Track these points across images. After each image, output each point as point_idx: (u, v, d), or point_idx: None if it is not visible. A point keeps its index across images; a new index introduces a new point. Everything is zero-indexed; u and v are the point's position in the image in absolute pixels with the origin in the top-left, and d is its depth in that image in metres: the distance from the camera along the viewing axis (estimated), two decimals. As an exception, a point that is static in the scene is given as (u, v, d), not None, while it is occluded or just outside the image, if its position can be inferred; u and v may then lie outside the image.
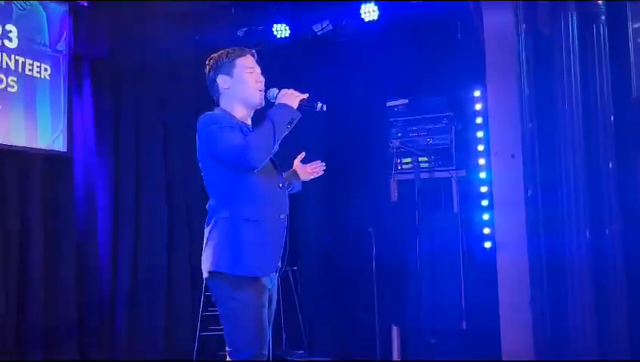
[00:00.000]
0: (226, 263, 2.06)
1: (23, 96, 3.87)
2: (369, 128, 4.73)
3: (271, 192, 2.16)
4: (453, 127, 4.37)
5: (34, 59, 3.94)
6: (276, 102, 2.15)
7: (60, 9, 4.08)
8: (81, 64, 4.21)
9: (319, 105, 2.26)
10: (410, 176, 4.40)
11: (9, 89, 3.78)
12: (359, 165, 4.72)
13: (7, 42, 3.80)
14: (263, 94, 2.22)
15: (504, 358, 3.70)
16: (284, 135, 2.10)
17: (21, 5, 3.87)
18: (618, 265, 3.59)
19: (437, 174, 4.41)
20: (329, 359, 4.46)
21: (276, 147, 2.09)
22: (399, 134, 4.50)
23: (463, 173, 4.27)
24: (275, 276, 2.22)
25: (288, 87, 2.26)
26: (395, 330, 4.40)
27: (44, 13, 4.02)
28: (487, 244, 4.06)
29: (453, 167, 4.34)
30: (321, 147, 4.73)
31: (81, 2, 4.12)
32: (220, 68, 2.22)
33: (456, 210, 4.31)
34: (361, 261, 4.34)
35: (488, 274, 3.81)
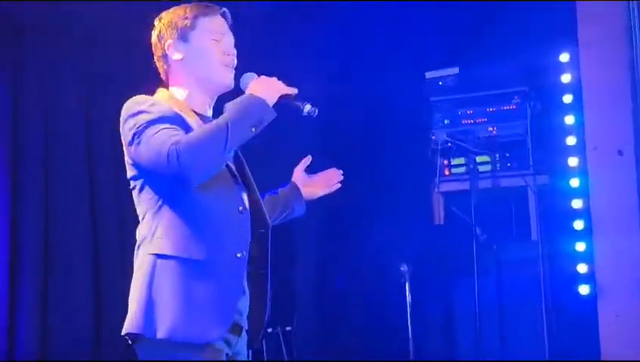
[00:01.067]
0: (153, 323, 1.90)
1: None
2: (400, 114, 4.28)
3: (225, 219, 2.02)
4: (529, 110, 3.91)
5: None
6: (246, 92, 2.06)
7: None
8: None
9: (307, 107, 2.10)
10: (465, 186, 3.93)
11: None
12: (386, 171, 4.33)
13: None
14: (233, 73, 2.12)
15: None
16: (244, 140, 1.97)
17: None
18: None
19: (505, 182, 3.96)
20: None
21: (229, 155, 1.98)
22: (446, 121, 4.06)
23: (544, 179, 3.89)
24: (240, 338, 2.07)
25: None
26: (443, 423, 4.11)
27: None
28: (584, 289, 3.66)
29: (530, 171, 3.90)
30: (330, 146, 4.27)
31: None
32: (172, 30, 2.10)
33: (535, 236, 3.89)
34: (390, 314, 3.91)
35: (586, 333, 3.60)
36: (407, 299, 3.65)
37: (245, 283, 2.06)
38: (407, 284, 3.64)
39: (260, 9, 4.54)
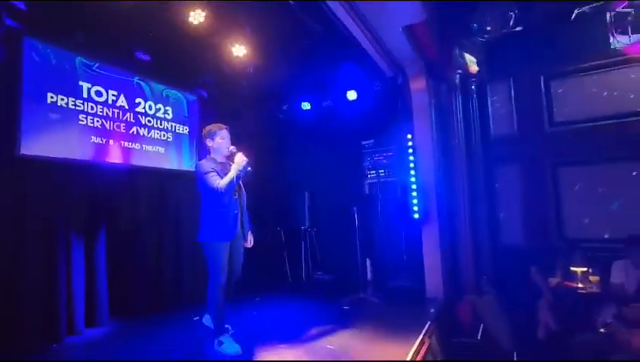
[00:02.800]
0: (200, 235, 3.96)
1: (175, 143, 6.33)
2: (353, 155, 7.24)
3: (230, 205, 3.94)
4: (396, 154, 6.81)
5: (180, 124, 6.38)
6: (235, 162, 3.70)
7: (192, 97, 6.63)
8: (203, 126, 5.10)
9: (248, 168, 3.73)
10: (375, 180, 6.83)
11: (168, 140, 6.33)
12: (349, 175, 7.25)
13: (166, 115, 6.32)
14: (230, 153, 3.96)
15: (426, 272, 6.04)
16: (233, 184, 3.73)
17: (173, 95, 6.41)
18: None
19: (390, 179, 6.84)
20: (334, 276, 7.09)
21: (231, 185, 3.71)
22: (369, 159, 7.02)
23: (404, 178, 6.55)
24: (237, 235, 3.96)
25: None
26: (368, 261, 7.11)
27: (185, 99, 6.48)
28: (416, 216, 6.42)
29: (398, 176, 6.78)
30: (329, 166, 7.22)
31: (203, 94, 6.77)
32: (207, 133, 4.05)
33: (399, 197, 6.74)
34: (351, 225, 6.94)
35: (418, 231, 6.15)
36: (356, 219, 6.56)
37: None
38: (355, 215, 6.52)
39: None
